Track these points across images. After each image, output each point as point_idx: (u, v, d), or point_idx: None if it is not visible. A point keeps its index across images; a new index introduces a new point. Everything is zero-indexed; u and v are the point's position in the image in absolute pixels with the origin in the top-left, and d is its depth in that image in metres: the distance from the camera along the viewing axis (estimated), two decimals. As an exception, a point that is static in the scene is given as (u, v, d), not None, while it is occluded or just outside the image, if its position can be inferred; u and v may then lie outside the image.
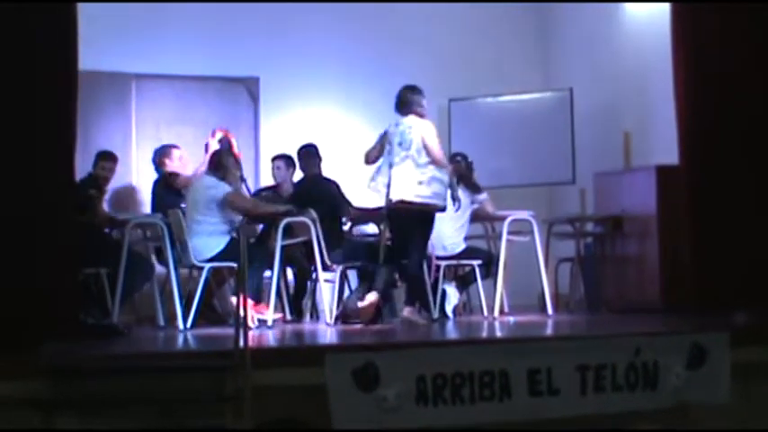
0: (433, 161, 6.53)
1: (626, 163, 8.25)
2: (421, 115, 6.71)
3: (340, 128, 9.10)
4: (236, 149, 7.31)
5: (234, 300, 6.41)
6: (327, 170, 7.64)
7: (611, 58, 8.65)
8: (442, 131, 9.17)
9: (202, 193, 6.70)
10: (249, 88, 8.88)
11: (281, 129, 8.84)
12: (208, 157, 7.13)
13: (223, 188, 6.66)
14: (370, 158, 6.81)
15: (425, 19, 9.27)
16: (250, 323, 6.12)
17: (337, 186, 7.26)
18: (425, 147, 6.55)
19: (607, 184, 7.68)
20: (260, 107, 8.90)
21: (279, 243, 6.65)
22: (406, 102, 6.73)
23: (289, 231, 6.92)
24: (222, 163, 6.80)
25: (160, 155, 7.60)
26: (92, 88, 7.86)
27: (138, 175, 8.33)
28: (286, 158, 7.78)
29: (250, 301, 6.16)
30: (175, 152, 7.58)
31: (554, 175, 8.31)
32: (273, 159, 7.86)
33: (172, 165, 7.52)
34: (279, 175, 7.77)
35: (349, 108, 9.14)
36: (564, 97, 8.50)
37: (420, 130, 6.61)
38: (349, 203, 7.29)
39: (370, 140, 9.01)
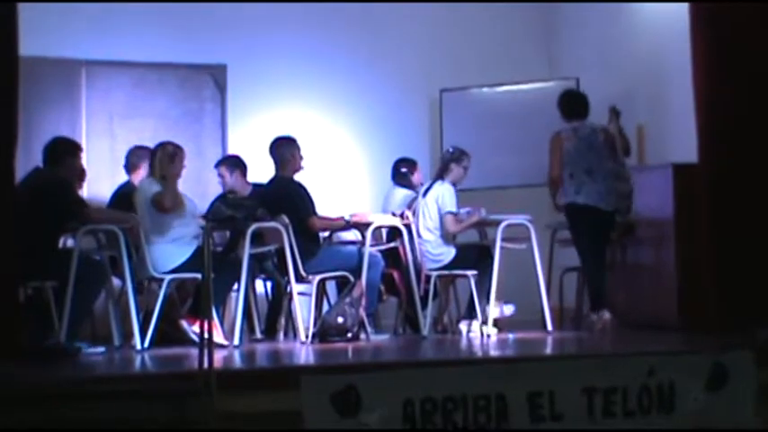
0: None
1: (639, 161, 8.30)
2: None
3: (317, 121, 9.12)
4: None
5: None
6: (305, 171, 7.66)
7: (623, 44, 8.71)
8: (433, 125, 9.27)
9: (139, 197, 6.74)
10: (215, 77, 8.89)
11: (252, 123, 8.85)
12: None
13: (153, 188, 6.67)
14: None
15: (417, 3, 9.30)
16: (219, 340, 6.14)
17: (305, 189, 7.24)
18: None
19: (622, 185, 7.71)
20: (227, 98, 8.91)
21: (247, 252, 6.67)
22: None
23: (258, 239, 6.93)
24: (155, 160, 6.77)
25: (135, 158, 7.55)
26: (36, 77, 7.88)
27: (89, 175, 8.30)
28: (228, 162, 7.78)
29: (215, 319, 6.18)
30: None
31: (558, 175, 8.34)
32: (215, 167, 7.85)
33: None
34: (225, 183, 7.73)
35: (327, 98, 9.15)
36: (570, 87, 8.53)
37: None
38: (314, 211, 7.24)
39: (349, 140, 9.06)
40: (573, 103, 7.47)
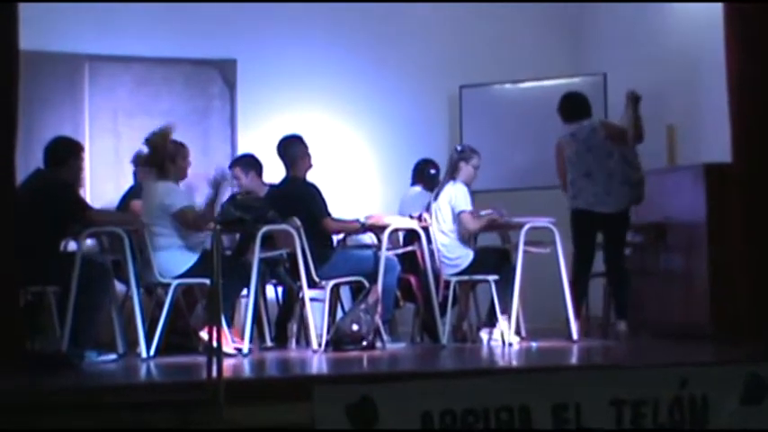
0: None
1: (670, 161, 8.27)
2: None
3: (330, 119, 9.10)
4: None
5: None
6: (316, 172, 7.64)
7: (654, 39, 8.68)
8: (452, 123, 9.25)
9: (155, 200, 6.69)
10: (224, 73, 8.89)
11: (262, 121, 8.84)
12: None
13: (180, 200, 6.64)
14: None
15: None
16: (227, 350, 6.13)
17: (318, 190, 7.24)
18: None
19: (647, 185, 7.70)
20: (237, 95, 8.91)
21: (257, 256, 6.66)
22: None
23: (268, 242, 6.92)
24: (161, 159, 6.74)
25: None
26: (37, 72, 7.89)
27: (91, 176, 8.31)
28: (243, 162, 7.76)
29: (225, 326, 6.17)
30: None
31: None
32: (229, 167, 7.85)
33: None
34: (240, 185, 7.69)
35: (340, 94, 9.13)
36: (596, 83, 8.52)
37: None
38: (328, 213, 7.23)
39: (362, 139, 8.98)
40: (570, 106, 7.59)
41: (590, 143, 7.39)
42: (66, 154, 6.70)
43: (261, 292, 7.22)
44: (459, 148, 7.70)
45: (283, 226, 6.84)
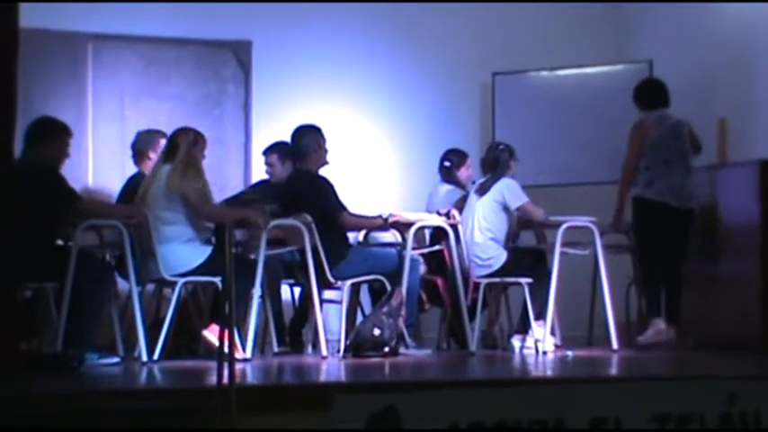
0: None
1: (720, 157, 8.23)
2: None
3: (351, 104, 9.09)
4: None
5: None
6: (337, 166, 7.63)
7: (704, 23, 8.63)
8: (484, 115, 9.23)
9: (164, 188, 6.69)
10: (239, 55, 8.90)
11: (279, 107, 8.84)
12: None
13: (188, 185, 6.67)
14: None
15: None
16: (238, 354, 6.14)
17: (330, 184, 7.23)
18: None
19: (696, 183, 7.67)
20: (252, 79, 8.92)
21: (262, 253, 6.66)
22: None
23: (278, 240, 6.93)
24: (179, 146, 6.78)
25: (144, 144, 7.53)
26: (36, 52, 7.92)
27: (95, 165, 8.34)
28: (280, 149, 7.77)
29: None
30: (163, 142, 7.48)
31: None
32: (264, 153, 7.87)
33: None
34: (274, 173, 7.76)
35: (363, 78, 9.12)
36: (641, 71, 8.47)
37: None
38: (344, 207, 7.22)
39: (385, 131, 8.95)
40: (654, 92, 7.59)
41: (678, 132, 7.43)
42: (46, 132, 6.62)
43: (276, 293, 7.23)
44: (501, 146, 7.71)
45: (291, 221, 6.83)
